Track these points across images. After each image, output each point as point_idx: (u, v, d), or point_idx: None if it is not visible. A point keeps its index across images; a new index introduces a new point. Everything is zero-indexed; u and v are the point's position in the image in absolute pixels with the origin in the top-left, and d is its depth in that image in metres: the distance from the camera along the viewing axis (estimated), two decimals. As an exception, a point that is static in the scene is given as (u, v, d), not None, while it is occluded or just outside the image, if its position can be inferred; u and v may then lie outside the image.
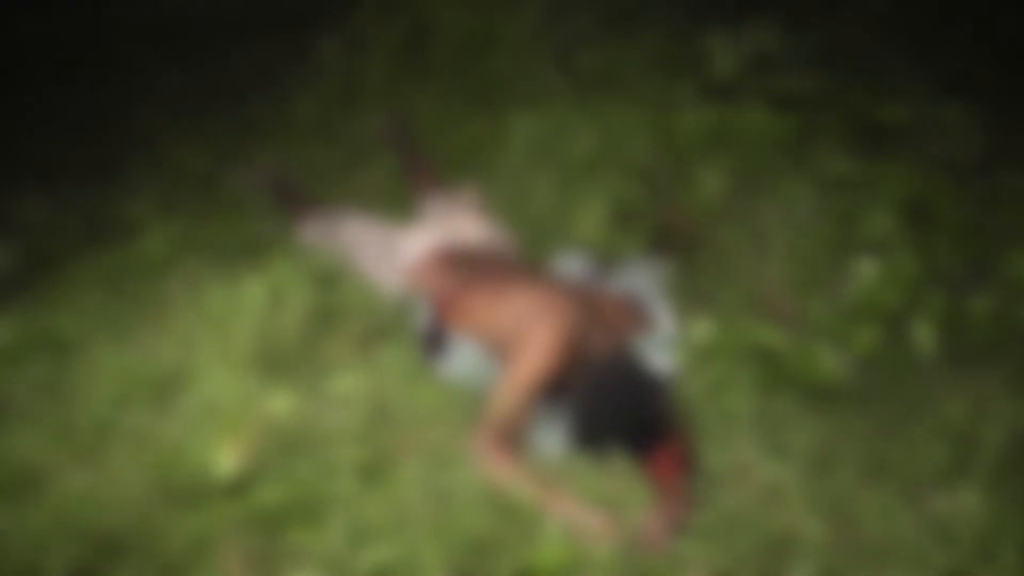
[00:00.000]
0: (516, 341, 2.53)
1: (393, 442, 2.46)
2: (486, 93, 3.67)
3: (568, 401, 2.47)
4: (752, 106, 3.18)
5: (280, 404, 2.51)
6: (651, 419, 2.42)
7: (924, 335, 2.62)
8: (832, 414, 2.49)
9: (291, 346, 2.73)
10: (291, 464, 2.38)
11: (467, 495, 2.30)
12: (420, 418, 2.53)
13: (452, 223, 3.06)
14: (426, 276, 2.87)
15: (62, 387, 2.62)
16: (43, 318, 2.82)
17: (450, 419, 2.52)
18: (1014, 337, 2.69)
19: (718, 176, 3.08)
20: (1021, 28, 3.67)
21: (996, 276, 2.76)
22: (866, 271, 2.69)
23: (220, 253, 3.04)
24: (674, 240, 3.02)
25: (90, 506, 2.29)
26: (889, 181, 2.92)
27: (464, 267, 2.86)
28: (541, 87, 3.61)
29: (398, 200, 3.28)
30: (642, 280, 2.85)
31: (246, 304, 2.79)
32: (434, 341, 2.73)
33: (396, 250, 2.98)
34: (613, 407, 2.42)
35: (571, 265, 2.93)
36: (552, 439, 2.48)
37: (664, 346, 2.66)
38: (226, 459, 2.37)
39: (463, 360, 2.68)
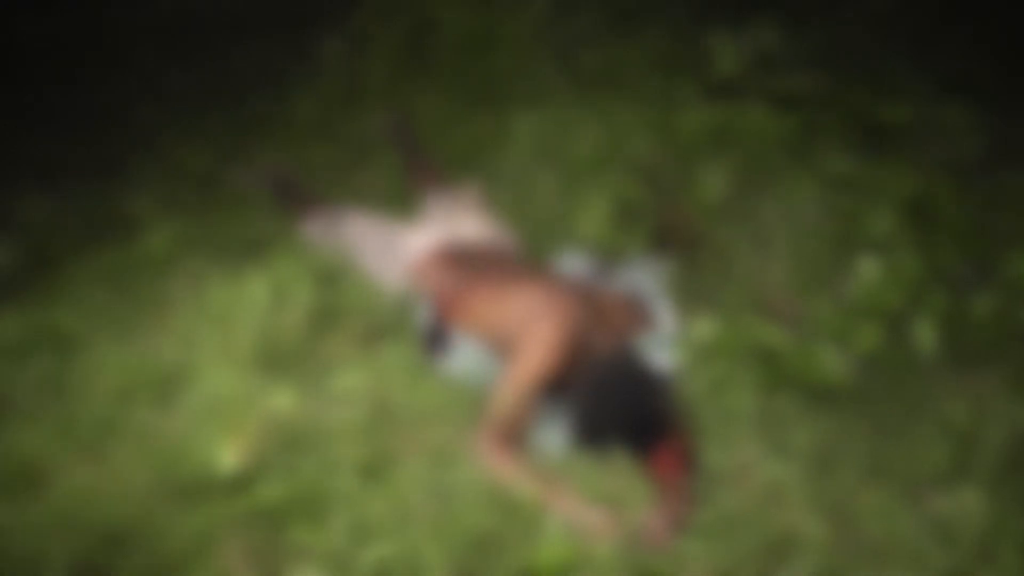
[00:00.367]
0: (517, 339, 2.54)
1: (395, 440, 2.46)
2: (488, 92, 3.67)
3: (569, 399, 2.47)
4: (754, 105, 3.18)
5: (282, 401, 2.52)
6: (652, 417, 2.42)
7: (925, 335, 2.62)
8: (833, 413, 2.50)
9: (293, 344, 2.73)
10: (293, 461, 2.39)
11: (469, 493, 2.30)
12: (422, 416, 2.53)
13: (454, 221, 3.06)
14: (428, 274, 2.87)
15: (65, 384, 2.62)
16: (46, 316, 2.82)
17: (452, 417, 2.52)
18: (1015, 337, 2.69)
19: (720, 175, 3.08)
20: (1022, 27, 3.67)
21: (997, 276, 2.76)
22: (867, 271, 2.70)
23: (222, 251, 3.04)
24: (676, 239, 3.02)
25: (93, 502, 2.29)
26: (891, 181, 2.92)
27: (466, 265, 2.86)
28: (543, 86, 3.61)
29: (400, 199, 3.28)
30: (644, 279, 2.85)
31: (248, 302, 2.79)
32: (436, 339, 2.73)
33: (398, 248, 2.98)
34: (614, 405, 2.42)
35: (573, 263, 2.93)
36: (553, 437, 2.48)
37: (665, 345, 2.66)
38: (228, 456, 2.37)
39: (465, 358, 2.68)
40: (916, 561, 2.20)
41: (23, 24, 3.90)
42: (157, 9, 4.07)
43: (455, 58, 3.80)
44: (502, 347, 2.59)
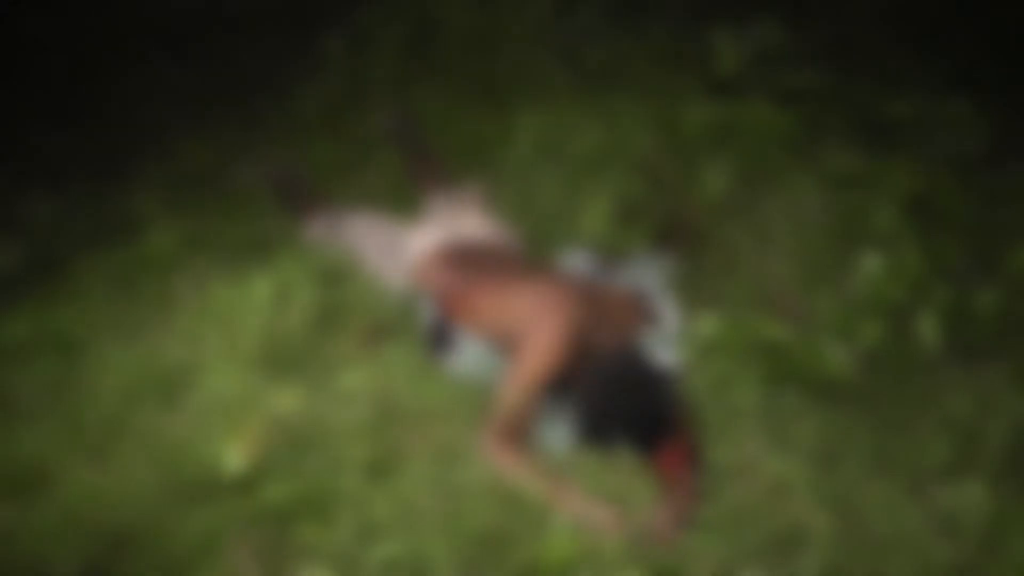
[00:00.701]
0: (521, 337, 2.54)
1: (400, 439, 2.47)
2: (491, 90, 3.67)
3: (574, 397, 2.47)
4: (756, 102, 3.18)
5: (287, 401, 2.53)
6: (657, 414, 2.42)
7: (929, 329, 2.62)
8: (837, 408, 2.50)
9: (297, 343, 2.74)
10: (299, 461, 2.40)
11: (475, 491, 2.31)
12: (427, 415, 2.53)
13: (457, 220, 3.06)
14: (431, 273, 2.87)
15: (70, 385, 2.63)
16: (50, 316, 2.84)
17: (457, 415, 2.53)
18: (1019, 331, 2.69)
19: (723, 172, 3.08)
20: (1024, 22, 3.67)
21: (1001, 271, 2.77)
22: (871, 266, 2.70)
23: (226, 251, 3.04)
24: (679, 236, 3.02)
25: (99, 503, 2.30)
26: (894, 176, 2.91)
27: (469, 263, 2.86)
28: (546, 83, 3.60)
29: (403, 197, 3.27)
30: (647, 276, 2.85)
31: (253, 301, 2.80)
32: (440, 338, 2.73)
33: (401, 247, 2.98)
34: (619, 402, 2.43)
35: (576, 261, 2.93)
36: (558, 434, 2.49)
37: (670, 341, 2.66)
38: (234, 456, 2.38)
39: (469, 356, 2.68)
40: (921, 554, 2.21)
41: (28, 24, 3.90)
42: (164, 7, 4.06)
43: (458, 56, 3.80)
44: (506, 345, 2.59)
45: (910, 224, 2.81)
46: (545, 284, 2.66)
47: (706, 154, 3.15)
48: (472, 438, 2.44)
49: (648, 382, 2.48)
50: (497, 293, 2.71)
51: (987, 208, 2.96)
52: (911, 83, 3.32)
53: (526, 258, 2.95)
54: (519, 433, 2.45)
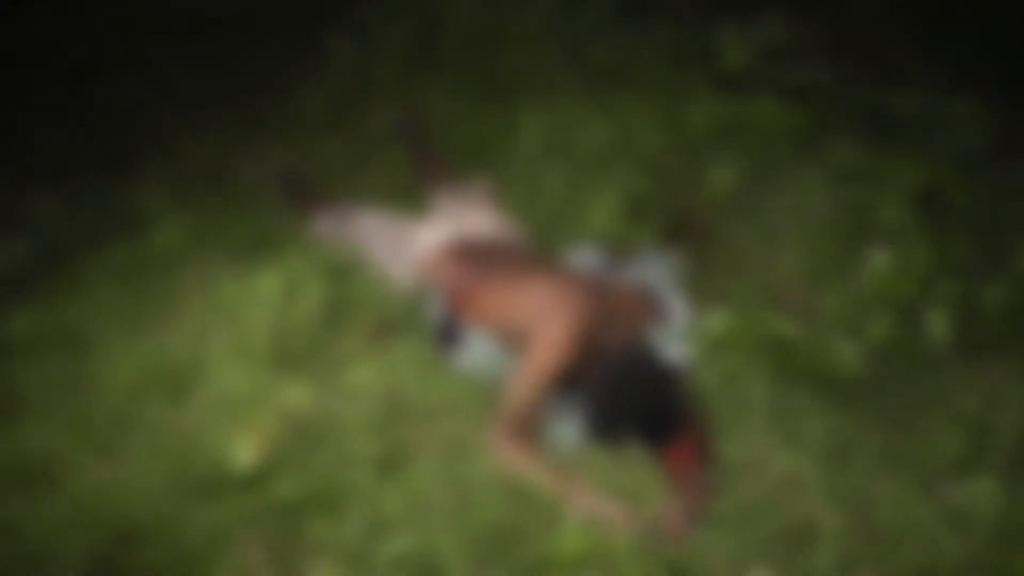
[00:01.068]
0: (529, 333, 2.54)
1: (409, 434, 2.47)
2: (496, 87, 3.66)
3: (583, 392, 2.47)
4: (763, 98, 3.18)
5: (296, 397, 2.53)
6: (666, 410, 2.42)
7: (938, 325, 2.61)
8: (846, 404, 2.49)
9: (305, 339, 2.74)
10: (308, 456, 2.40)
11: (485, 486, 2.31)
12: (436, 410, 2.54)
13: (463, 216, 3.06)
14: (439, 269, 2.87)
15: (77, 380, 2.64)
16: (58, 312, 2.84)
17: (466, 411, 2.53)
18: (1028, 326, 2.69)
19: (729, 168, 3.08)
20: (1030, 18, 3.66)
21: (1009, 265, 2.75)
22: (879, 261, 2.69)
23: (232, 247, 3.05)
24: (686, 232, 3.02)
25: (107, 498, 2.31)
26: (901, 172, 2.90)
27: (477, 259, 2.86)
28: (551, 81, 3.60)
29: (409, 194, 3.27)
30: (655, 272, 2.84)
31: (260, 297, 2.80)
32: (448, 333, 2.73)
33: (408, 243, 2.98)
34: (628, 398, 2.42)
35: (584, 257, 2.93)
36: (567, 431, 2.48)
37: (678, 337, 2.66)
38: (243, 451, 2.38)
39: (477, 352, 2.68)
40: (932, 550, 2.20)
41: (32, 24, 3.89)
42: (168, 6, 4.06)
43: (463, 53, 3.79)
44: (514, 341, 2.59)
45: (917, 219, 2.80)
46: (553, 280, 2.66)
47: (713, 151, 3.15)
48: (481, 434, 2.44)
49: (657, 378, 2.48)
50: (505, 289, 2.71)
51: (995, 203, 2.95)
52: (917, 78, 3.31)
53: (534, 254, 2.95)
54: (528, 429, 2.45)
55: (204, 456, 2.39)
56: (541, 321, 2.54)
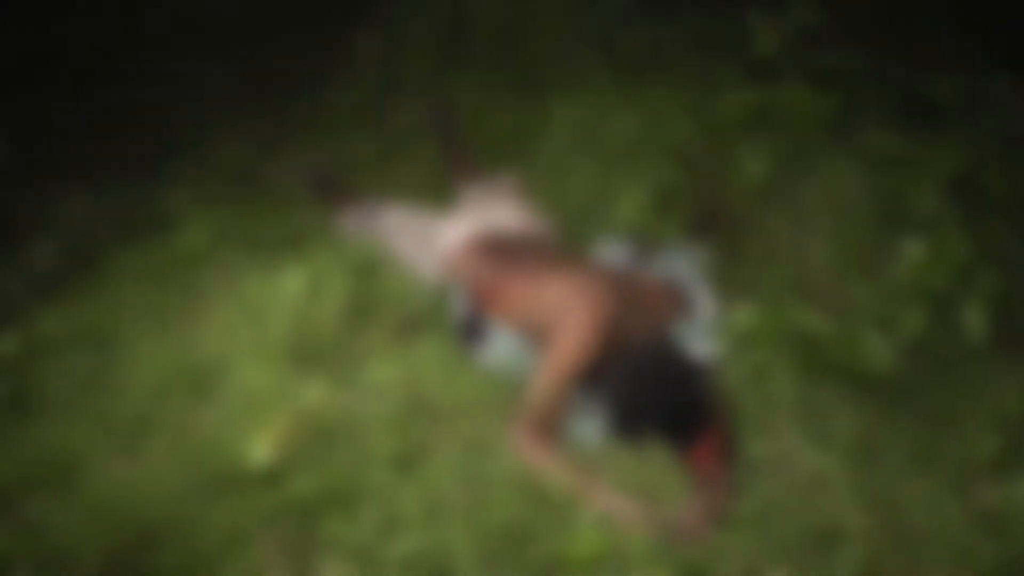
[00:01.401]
0: (553, 328, 2.50)
1: (428, 432, 2.44)
2: (526, 79, 3.63)
3: (606, 388, 2.43)
4: (795, 85, 3.09)
5: (316, 394, 2.52)
6: (690, 407, 2.37)
7: (974, 318, 2.52)
8: (877, 401, 2.42)
9: (328, 336, 2.72)
10: (326, 454, 2.39)
11: (501, 484, 2.28)
12: (456, 408, 2.51)
13: (490, 210, 3.03)
14: (464, 264, 2.84)
15: (101, 378, 2.65)
16: (84, 312, 2.85)
17: (487, 408, 2.50)
18: (1070, 320, 2.59)
19: (761, 157, 3.00)
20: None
21: (1051, 255, 2.66)
22: (913, 252, 2.60)
23: (259, 245, 3.04)
24: (716, 223, 2.96)
25: (127, 496, 2.31)
26: (937, 158, 2.79)
27: (502, 254, 2.83)
28: (581, 72, 3.55)
29: (438, 189, 3.25)
30: (683, 265, 2.79)
31: (284, 294, 2.79)
32: (472, 329, 2.70)
33: (434, 238, 2.95)
34: (651, 394, 2.39)
35: (611, 250, 2.88)
36: (590, 427, 2.45)
37: (705, 332, 2.60)
38: (261, 449, 2.37)
39: (501, 348, 2.65)
40: (964, 554, 2.13)
41: (65, 25, 3.93)
42: (197, 8, 4.07)
43: (492, 46, 3.77)
44: (538, 337, 2.55)
45: (954, 207, 2.70)
46: (577, 274, 2.62)
47: (744, 139, 3.07)
48: (501, 431, 2.40)
49: (682, 374, 2.44)
50: (529, 284, 2.67)
51: (1034, 190, 2.85)
52: (953, 62, 3.20)
53: (560, 248, 2.91)
54: (550, 426, 2.42)
55: (223, 454, 2.38)
56: (564, 316, 2.50)
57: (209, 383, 2.60)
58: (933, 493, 2.24)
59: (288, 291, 2.80)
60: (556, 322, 2.50)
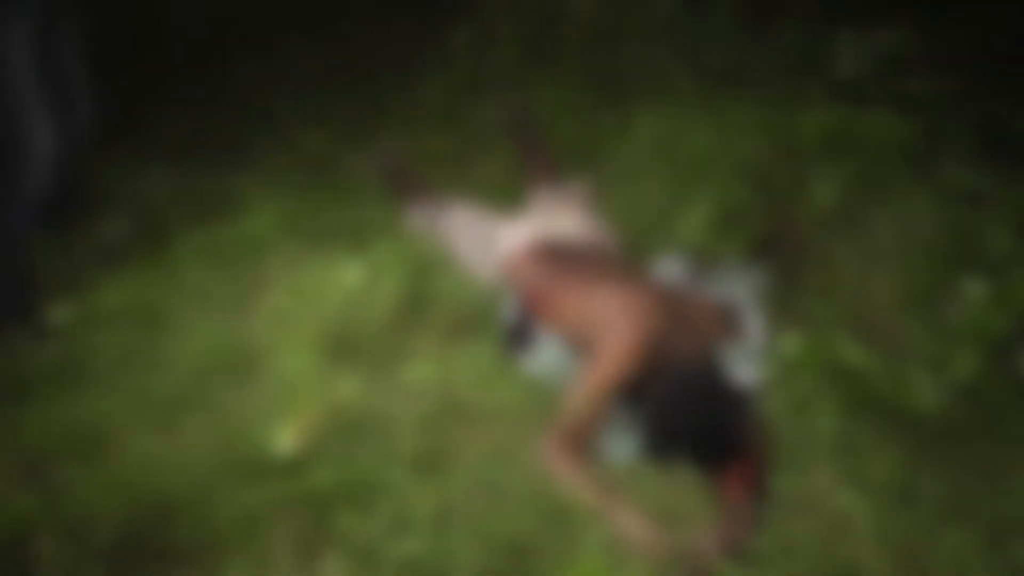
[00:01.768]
0: (596, 341, 2.46)
1: (455, 435, 2.42)
2: (611, 86, 3.59)
3: (645, 407, 2.37)
4: (877, 109, 2.97)
5: (349, 388, 2.51)
6: (727, 432, 2.30)
7: (1032, 364, 2.38)
8: (919, 444, 2.30)
9: (375, 331, 2.72)
10: (349, 448, 2.37)
11: (516, 496, 2.24)
12: (489, 413, 2.48)
13: (557, 217, 3.00)
14: (519, 269, 2.82)
15: (148, 354, 2.68)
16: (142, 287, 2.90)
17: (520, 416, 2.47)
18: None
19: (834, 181, 2.90)
20: None
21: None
22: (975, 292, 2.47)
23: (323, 234, 3.07)
24: (780, 247, 2.86)
25: (150, 472, 2.33)
26: (1014, 196, 2.66)
27: (558, 262, 2.80)
28: (666, 83, 3.50)
29: (513, 190, 3.23)
30: (739, 287, 2.72)
31: (338, 288, 2.81)
32: (520, 335, 2.68)
33: (495, 241, 2.94)
34: (689, 417, 2.32)
35: (668, 267, 2.83)
36: (624, 445, 2.40)
37: (751, 357, 2.52)
38: (286, 438, 2.38)
39: (547, 356, 2.63)
40: (986, 615, 2.00)
41: (162, 8, 4.05)
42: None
43: (580, 49, 3.73)
44: (583, 347, 2.52)
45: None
46: (626, 289, 2.57)
47: (818, 162, 2.97)
48: (529, 441, 2.36)
49: (722, 399, 2.37)
50: (580, 294, 2.64)
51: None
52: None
53: (619, 261, 2.86)
54: (583, 439, 2.38)
55: (250, 440, 2.39)
56: (607, 330, 2.46)
57: (249, 368, 2.62)
58: (964, 547, 2.11)
59: (343, 284, 2.82)
60: (600, 335, 2.46)
